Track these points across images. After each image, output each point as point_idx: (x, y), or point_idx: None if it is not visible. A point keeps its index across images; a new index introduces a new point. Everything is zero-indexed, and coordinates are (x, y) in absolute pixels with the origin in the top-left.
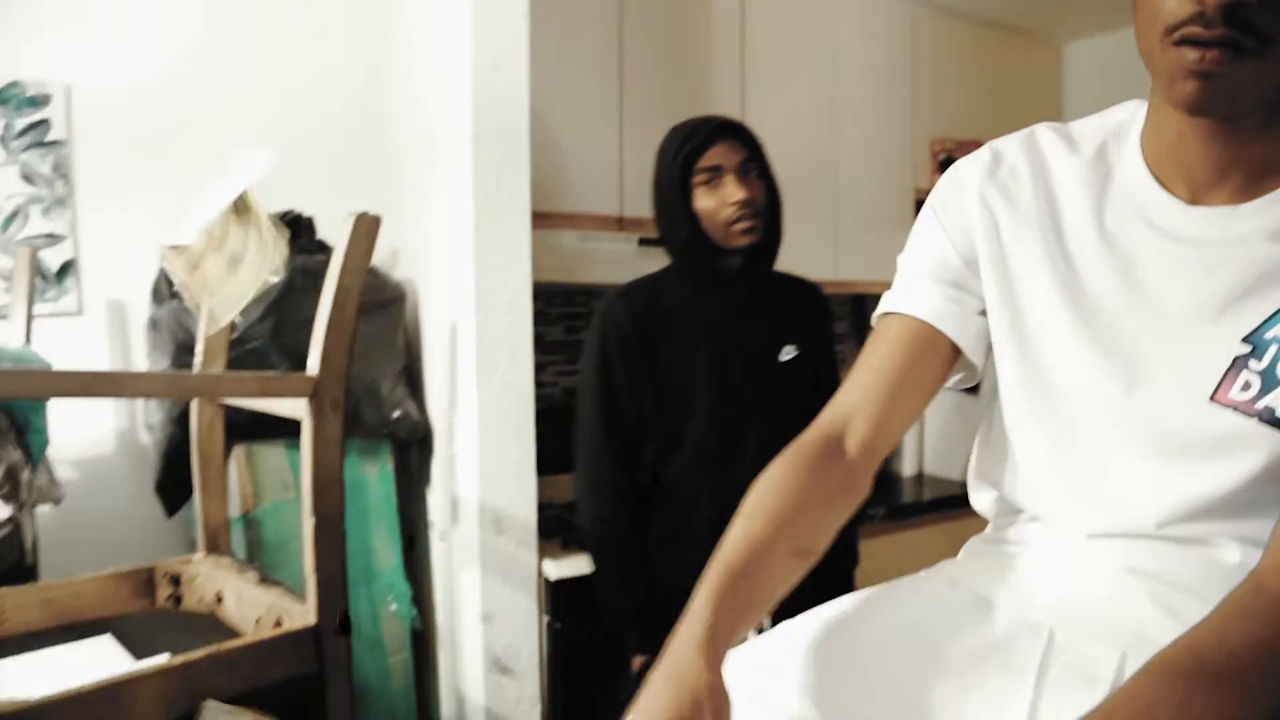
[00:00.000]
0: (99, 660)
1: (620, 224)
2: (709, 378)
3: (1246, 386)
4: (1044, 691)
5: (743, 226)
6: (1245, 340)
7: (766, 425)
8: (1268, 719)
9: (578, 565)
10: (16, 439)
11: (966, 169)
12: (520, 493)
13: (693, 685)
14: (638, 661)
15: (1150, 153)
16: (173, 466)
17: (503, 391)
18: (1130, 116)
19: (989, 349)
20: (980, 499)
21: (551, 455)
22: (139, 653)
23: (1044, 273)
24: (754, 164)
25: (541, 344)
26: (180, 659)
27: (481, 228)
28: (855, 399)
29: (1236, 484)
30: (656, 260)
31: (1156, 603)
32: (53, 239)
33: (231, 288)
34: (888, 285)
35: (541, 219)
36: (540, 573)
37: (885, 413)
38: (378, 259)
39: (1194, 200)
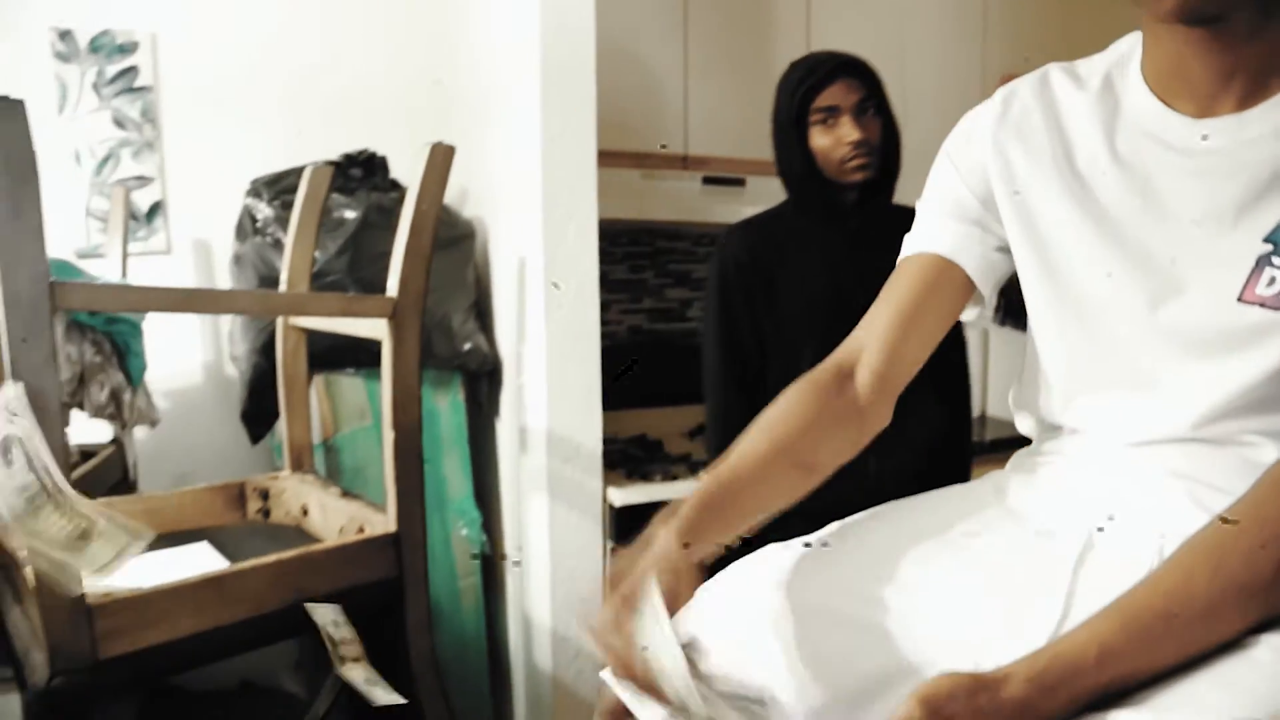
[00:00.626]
0: (199, 562)
1: (685, 163)
2: (824, 306)
3: (1272, 282)
4: (1080, 579)
5: (856, 164)
6: (1266, 240)
7: None
8: None
9: (642, 493)
10: (119, 363)
11: (979, 114)
12: (586, 421)
13: (659, 552)
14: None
15: (1152, 76)
16: (257, 396)
17: (569, 324)
18: (1130, 47)
19: (1006, 285)
20: (1023, 422)
21: (616, 392)
22: (233, 558)
23: (1063, 202)
24: (871, 102)
25: (606, 282)
26: (275, 557)
27: (549, 165)
28: (869, 331)
29: (1266, 377)
30: (720, 199)
31: (1196, 503)
32: (142, 181)
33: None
34: None
35: (606, 157)
36: (605, 499)
37: (897, 343)
38: (448, 197)
39: (1201, 114)
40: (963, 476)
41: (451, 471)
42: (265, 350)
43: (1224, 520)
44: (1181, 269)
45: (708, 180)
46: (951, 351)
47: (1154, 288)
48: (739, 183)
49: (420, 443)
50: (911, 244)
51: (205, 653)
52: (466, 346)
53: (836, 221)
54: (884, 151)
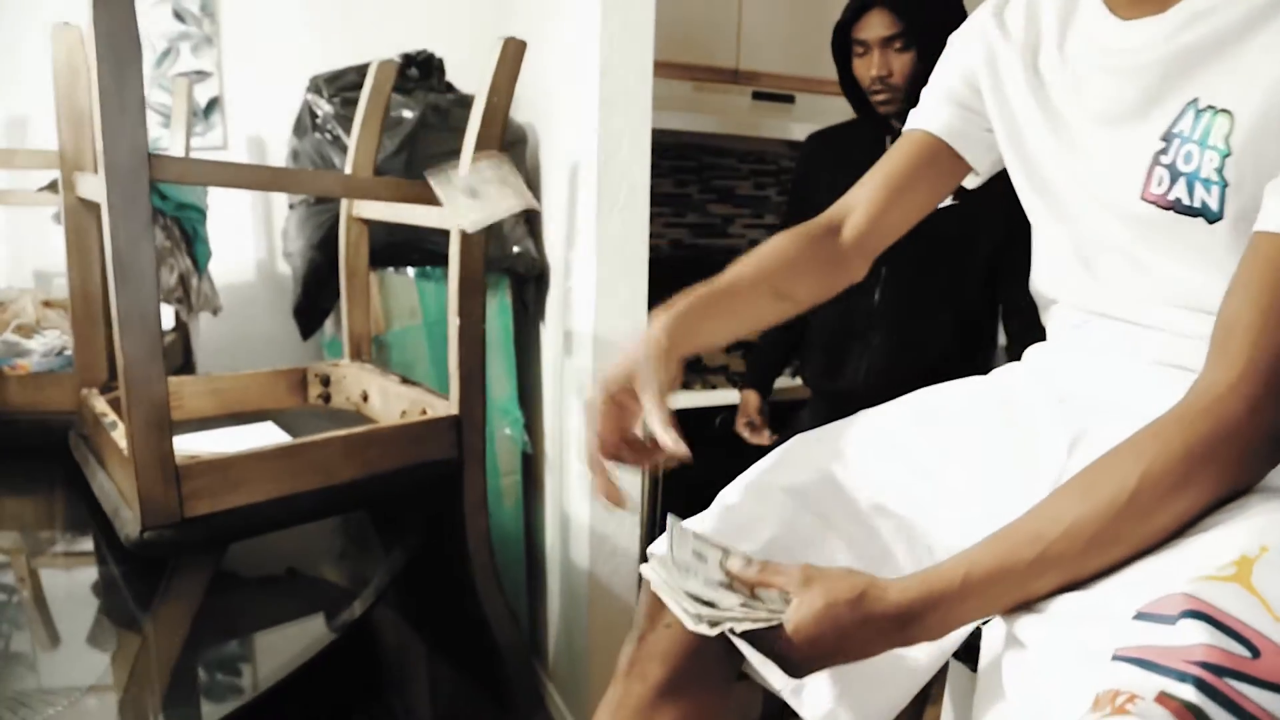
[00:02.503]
0: (267, 438)
1: (735, 76)
2: None
3: (1160, 181)
4: (1074, 460)
5: (879, 98)
6: (1161, 138)
7: (901, 260)
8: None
9: (681, 399)
10: (187, 248)
11: (982, 9)
12: (631, 327)
13: (651, 338)
14: (746, 394)
15: None
16: (311, 292)
17: (619, 229)
18: None
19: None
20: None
21: (656, 304)
22: (297, 436)
23: (1027, 96)
24: (902, 38)
25: (652, 196)
26: (346, 432)
27: (606, 69)
28: (859, 195)
29: (1183, 274)
30: (769, 114)
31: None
32: (200, 75)
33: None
34: None
35: (657, 68)
36: None
37: (883, 208)
38: None
39: (1129, 16)
40: None
41: (496, 373)
42: (322, 246)
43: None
44: (1103, 166)
45: (757, 95)
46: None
47: (1088, 182)
48: (788, 99)
49: (483, 329)
50: (911, 121)
51: (280, 518)
52: (515, 250)
53: (876, 152)
54: (914, 89)
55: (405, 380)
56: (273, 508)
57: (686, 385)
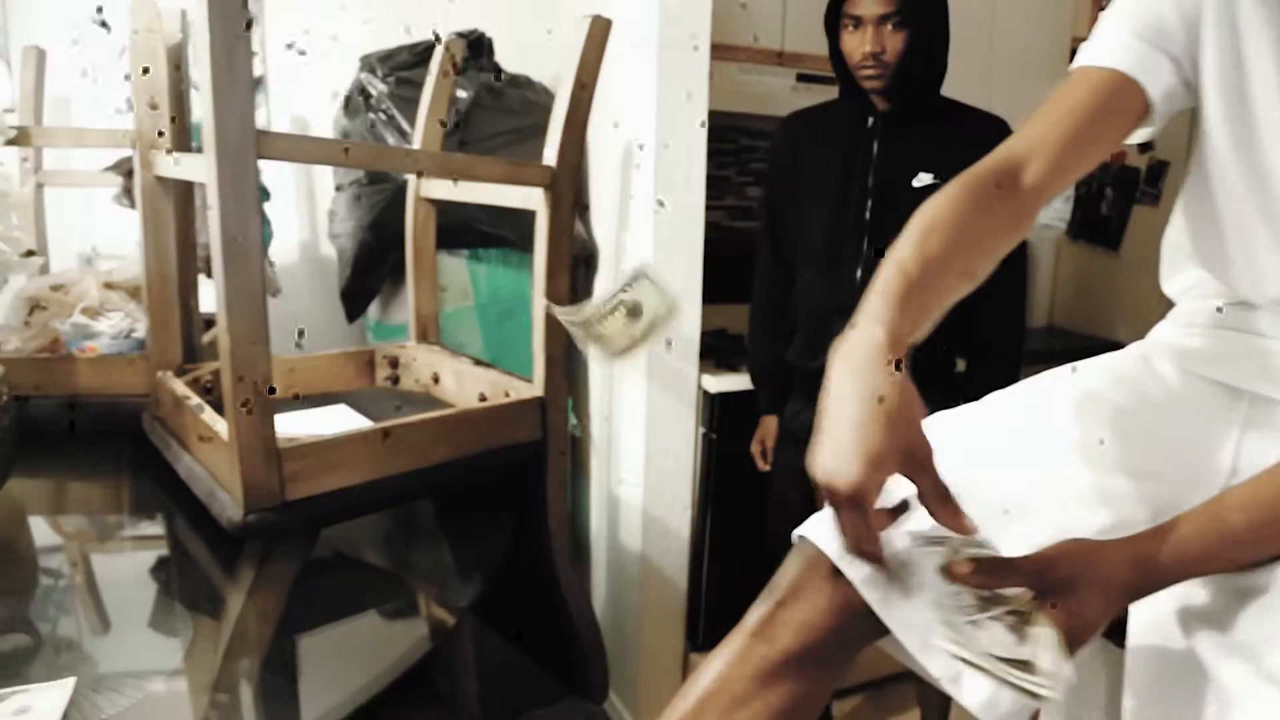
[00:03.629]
0: (343, 421)
1: (780, 58)
2: (834, 190)
3: None
4: (1247, 438)
5: (867, 74)
6: None
7: (880, 238)
8: None
9: (734, 381)
10: None
11: None
12: (686, 307)
13: (885, 390)
14: (765, 419)
15: None
16: (360, 274)
17: (676, 213)
18: None
19: (1085, 197)
20: (1181, 279)
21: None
22: (372, 419)
23: (1272, 60)
24: (896, 16)
25: None
26: (437, 414)
27: (664, 52)
28: (1036, 139)
29: None
30: (813, 96)
31: None
32: None
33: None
34: None
35: None
36: (700, 386)
37: (1064, 157)
38: (544, 82)
39: None
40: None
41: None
42: (373, 227)
43: None
44: None
45: (801, 78)
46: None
47: None
48: (832, 81)
49: None
50: (1091, 55)
51: (375, 501)
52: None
53: (860, 128)
54: (904, 68)
55: (478, 362)
56: (368, 490)
57: (733, 368)
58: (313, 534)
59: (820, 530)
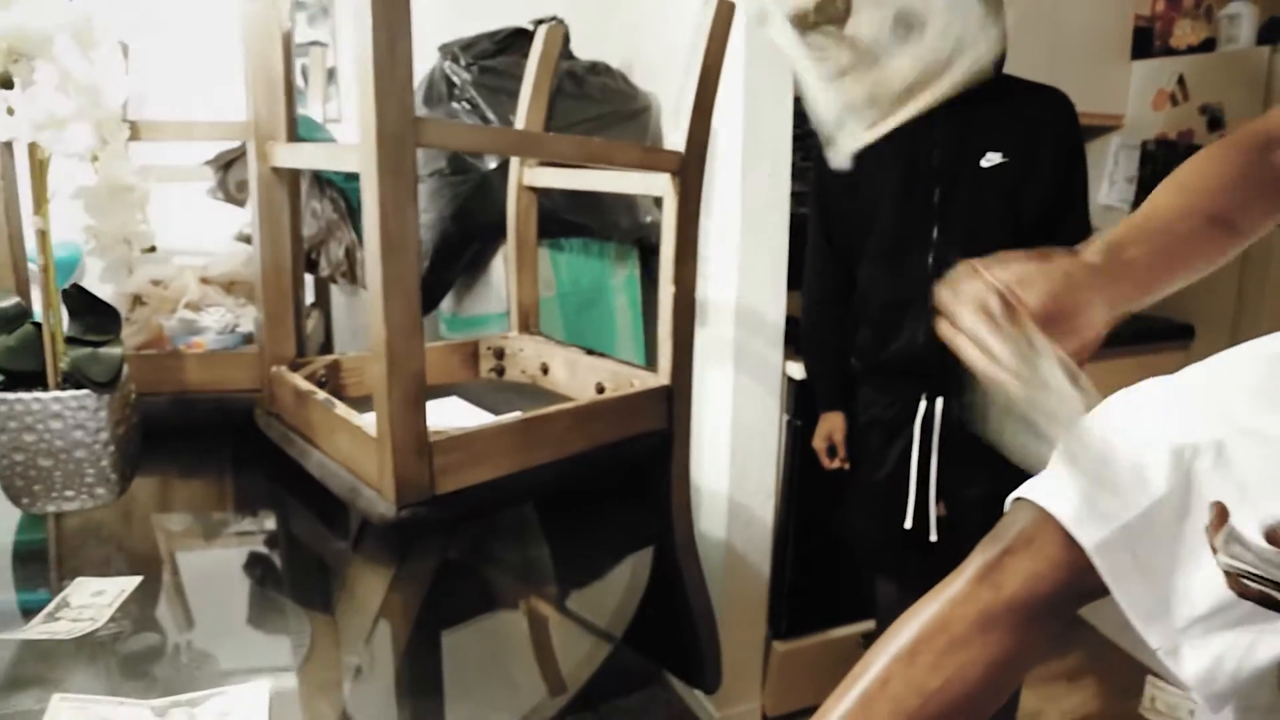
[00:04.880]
0: (460, 413)
1: None
2: (897, 176)
3: None
4: None
5: None
6: None
7: (951, 223)
8: None
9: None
10: (351, 222)
11: None
12: (771, 294)
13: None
14: (828, 415)
15: None
16: (438, 264)
17: (763, 198)
18: None
19: None
20: None
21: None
22: (489, 410)
23: None
24: None
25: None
26: (572, 405)
27: (751, 34)
28: None
29: None
30: None
31: None
32: (317, 46)
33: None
34: (1104, 116)
35: None
36: (784, 373)
37: None
38: (619, 67)
39: None
40: None
41: (626, 344)
42: (456, 217)
43: None
44: None
45: None
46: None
47: None
48: None
49: (694, 298)
50: None
51: (517, 493)
52: (647, 219)
53: (922, 116)
54: None
55: (590, 352)
56: (511, 483)
57: None
58: (456, 528)
59: (1049, 492)
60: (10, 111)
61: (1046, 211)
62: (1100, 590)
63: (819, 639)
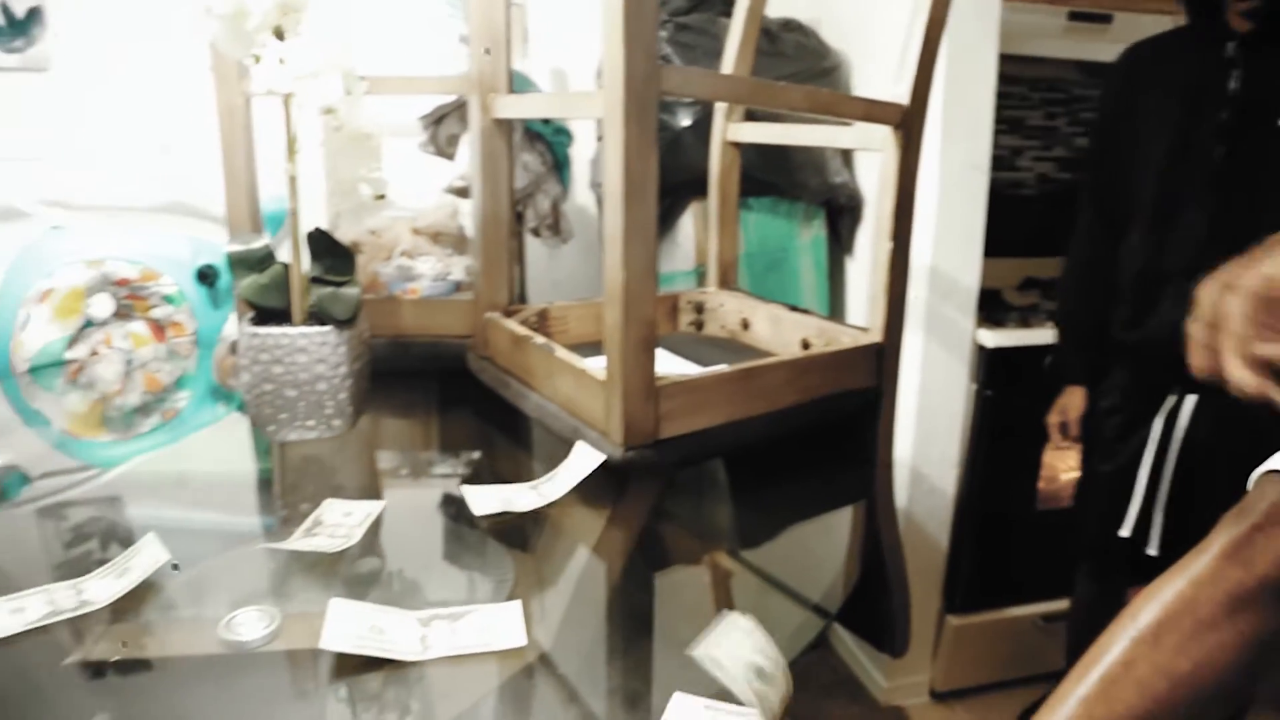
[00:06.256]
0: (670, 363)
1: None
2: (1174, 131)
3: None
4: None
5: (1243, 7)
6: None
7: (1238, 190)
8: None
9: (1010, 337)
10: (557, 175)
11: None
12: (966, 260)
13: None
14: (1071, 390)
15: None
16: None
17: (961, 160)
18: None
19: None
20: None
21: (1012, 239)
22: (697, 362)
23: None
24: None
25: (1021, 128)
26: (788, 357)
27: None
28: None
29: None
30: (1084, 34)
31: None
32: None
33: None
34: None
35: None
36: (975, 341)
37: None
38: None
39: None
40: None
41: (809, 305)
42: None
43: None
44: None
45: (1074, 15)
46: None
47: None
48: (1106, 19)
49: (909, 257)
50: None
51: (732, 442)
52: (837, 180)
53: (1214, 57)
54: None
55: (794, 308)
56: (726, 432)
57: (997, 323)
58: (669, 474)
59: None
60: (281, 62)
61: None
62: None
63: (995, 616)
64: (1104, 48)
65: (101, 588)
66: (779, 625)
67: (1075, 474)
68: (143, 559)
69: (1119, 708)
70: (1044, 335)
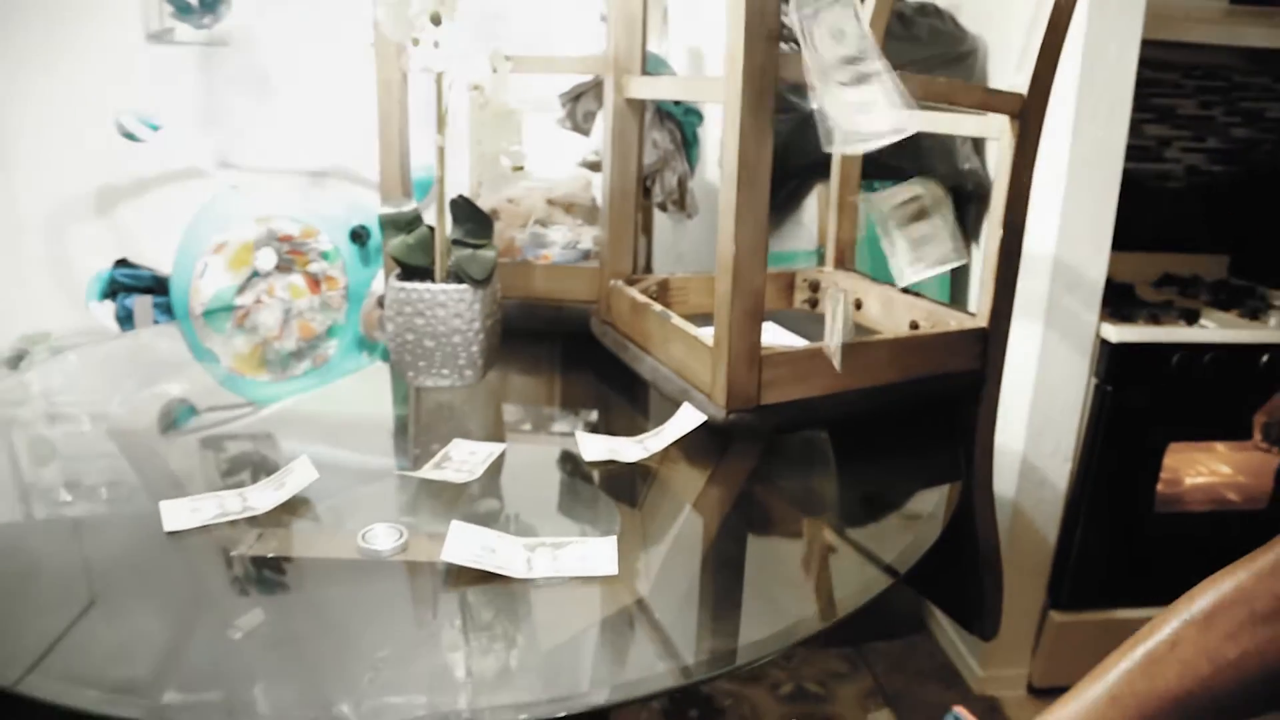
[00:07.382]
0: (780, 336)
1: None
2: None
3: None
4: None
5: None
6: None
7: None
8: None
9: (1144, 333)
10: (685, 153)
11: None
12: (1094, 252)
13: None
14: None
15: None
16: None
17: (1094, 148)
18: None
19: None
20: None
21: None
22: (805, 337)
23: None
24: None
25: (1171, 116)
26: (891, 335)
27: None
28: None
29: None
30: (1249, 19)
31: None
32: None
33: None
34: None
35: None
36: (1098, 334)
37: None
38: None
39: None
40: None
41: (930, 291)
42: (777, 154)
43: None
44: None
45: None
46: None
47: None
48: (1274, 2)
49: (1020, 246)
50: None
51: (830, 414)
52: (965, 167)
53: None
54: None
55: (905, 290)
56: (826, 403)
57: (1124, 318)
58: (768, 439)
59: None
60: (436, 45)
61: None
62: None
63: (1101, 616)
64: (1272, 34)
65: (262, 497)
66: (848, 580)
67: (1210, 479)
68: (296, 476)
69: (1159, 684)
70: (1175, 333)
